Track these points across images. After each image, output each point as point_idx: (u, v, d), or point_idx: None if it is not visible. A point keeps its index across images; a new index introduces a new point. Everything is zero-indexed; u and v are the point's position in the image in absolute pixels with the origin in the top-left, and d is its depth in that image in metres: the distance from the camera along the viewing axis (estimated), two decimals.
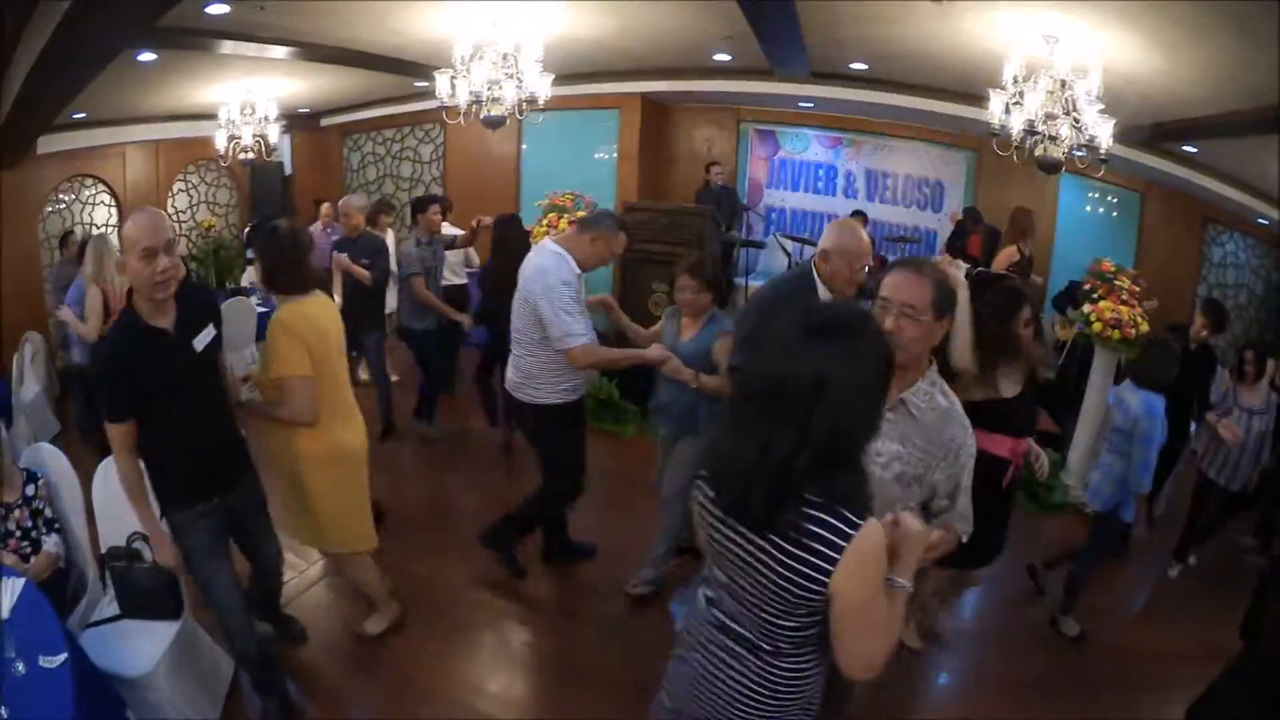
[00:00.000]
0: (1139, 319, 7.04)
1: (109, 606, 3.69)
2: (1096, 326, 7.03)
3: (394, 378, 7.92)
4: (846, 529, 1.85)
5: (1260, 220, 10.76)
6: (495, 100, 7.71)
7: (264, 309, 8.54)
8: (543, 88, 7.85)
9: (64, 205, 10.42)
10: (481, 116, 7.79)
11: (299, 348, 3.74)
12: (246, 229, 11.44)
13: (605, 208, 4.80)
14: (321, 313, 3.97)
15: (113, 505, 3.74)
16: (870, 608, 1.93)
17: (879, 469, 2.59)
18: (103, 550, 3.80)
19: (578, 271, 4.54)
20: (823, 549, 1.86)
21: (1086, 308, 7.16)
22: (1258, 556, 6.69)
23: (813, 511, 1.87)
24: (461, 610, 4.99)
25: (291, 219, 4.62)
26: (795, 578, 1.90)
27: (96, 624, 3.67)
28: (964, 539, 2.72)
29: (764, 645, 2.07)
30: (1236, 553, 6.71)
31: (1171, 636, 5.41)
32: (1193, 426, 6.66)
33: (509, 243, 6.77)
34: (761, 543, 1.95)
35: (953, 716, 4.55)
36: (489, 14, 7.45)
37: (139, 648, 3.53)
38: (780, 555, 1.91)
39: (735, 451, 1.94)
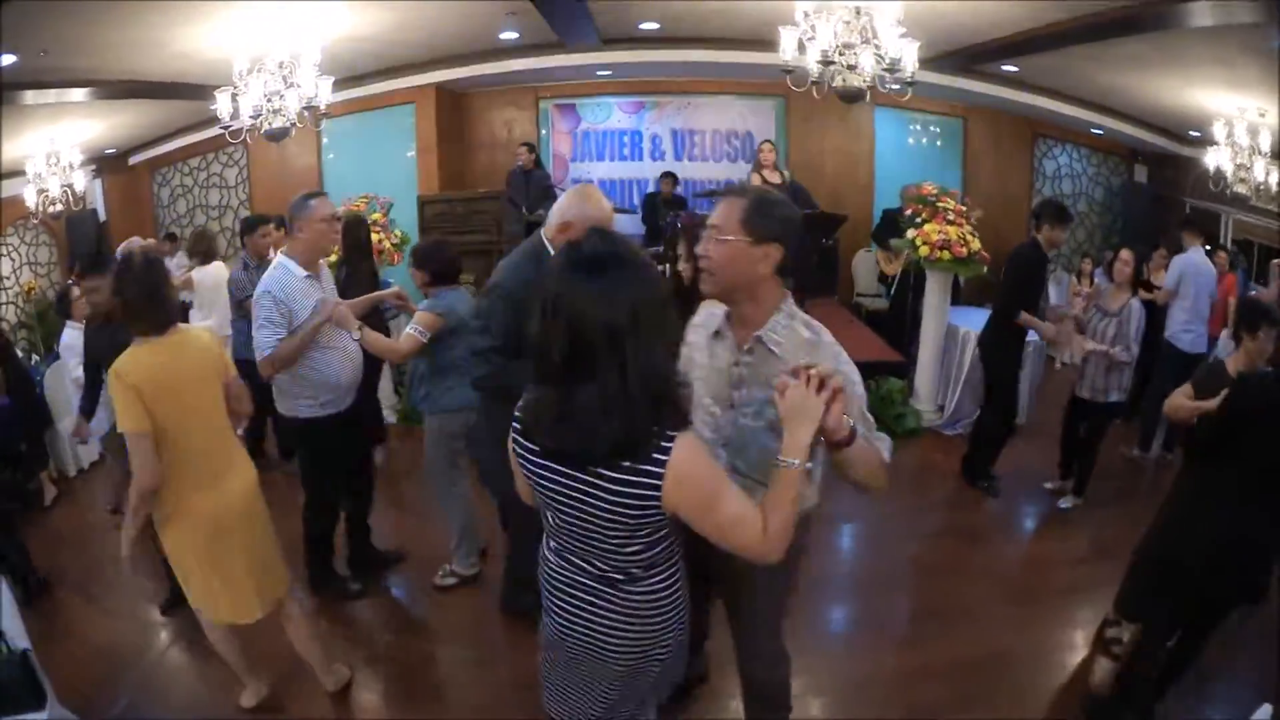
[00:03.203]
0: (968, 236, 6.92)
1: None
2: (924, 250, 6.87)
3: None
4: (660, 452, 1.89)
5: (1094, 130, 10.90)
6: (276, 112, 7.24)
7: None
8: (324, 92, 7.44)
9: None
10: (262, 131, 7.30)
11: (132, 399, 3.20)
12: (70, 278, 10.68)
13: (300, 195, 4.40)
14: (177, 352, 3.42)
15: None
16: (717, 507, 1.96)
17: (748, 420, 2.50)
18: None
19: (302, 274, 4.23)
20: (643, 477, 1.90)
21: (911, 233, 7.01)
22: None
23: (629, 440, 1.88)
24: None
25: (145, 250, 4.10)
26: (627, 506, 1.94)
27: None
28: (886, 457, 2.43)
29: (616, 575, 2.10)
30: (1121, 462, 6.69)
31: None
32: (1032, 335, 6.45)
33: (360, 245, 6.29)
34: (588, 478, 1.95)
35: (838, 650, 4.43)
36: (262, 25, 7.03)
37: None
38: (609, 486, 1.93)
39: (540, 402, 1.97)
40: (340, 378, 4.35)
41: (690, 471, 1.91)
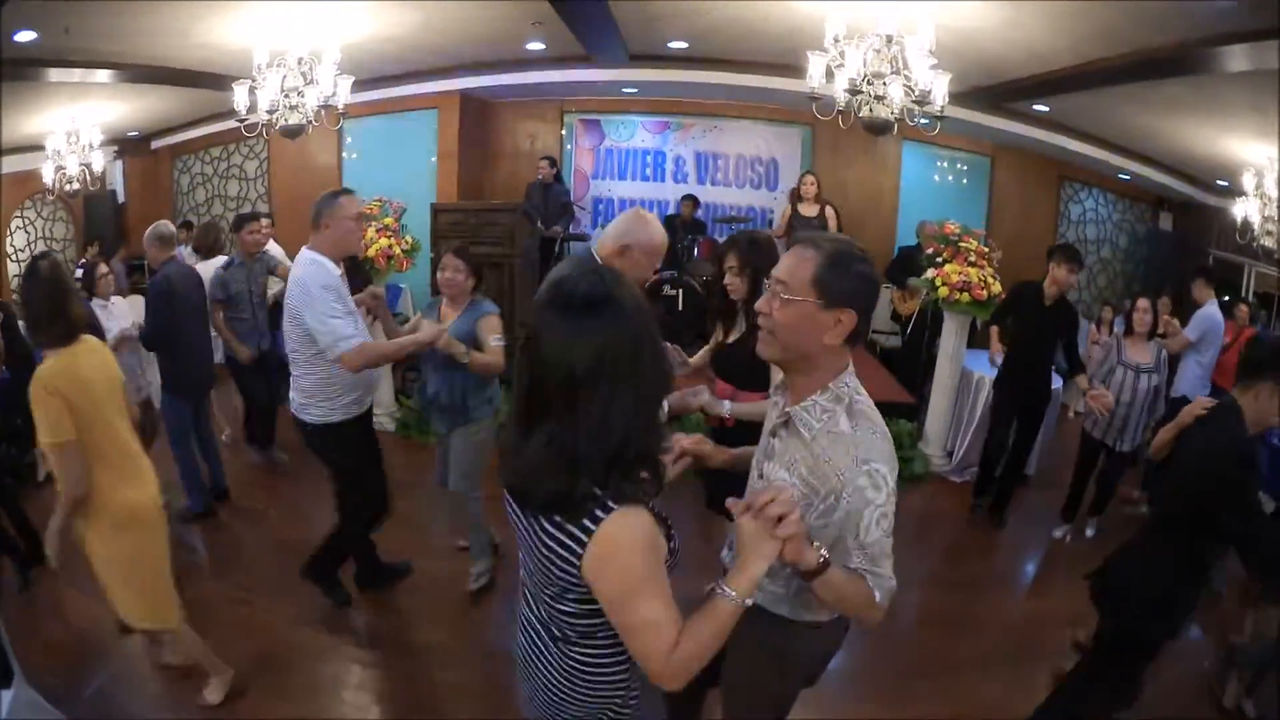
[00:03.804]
0: (989, 279, 6.77)
1: None
2: (943, 291, 6.72)
3: (224, 432, 7.18)
4: (596, 515, 1.71)
5: (1121, 176, 10.76)
6: (293, 109, 7.19)
7: None
8: (343, 92, 7.41)
9: None
10: (277, 127, 7.24)
11: (60, 409, 3.27)
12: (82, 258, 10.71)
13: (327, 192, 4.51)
14: (87, 361, 3.48)
15: None
16: (631, 605, 1.76)
17: None
18: None
19: (338, 272, 4.26)
20: (571, 535, 1.74)
21: (930, 273, 6.86)
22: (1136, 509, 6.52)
23: (572, 494, 1.71)
24: (296, 655, 4.50)
25: (52, 256, 4.02)
26: (552, 561, 1.79)
27: None
28: (879, 599, 2.07)
29: (554, 629, 1.97)
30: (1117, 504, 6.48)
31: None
32: (1058, 381, 6.41)
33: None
34: (532, 524, 1.84)
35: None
36: (284, 20, 7.00)
37: None
38: (543, 537, 1.80)
39: (510, 434, 1.86)
40: (373, 376, 4.58)
41: (614, 553, 1.72)
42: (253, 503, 6.24)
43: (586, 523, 1.71)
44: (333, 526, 4.78)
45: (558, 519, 1.74)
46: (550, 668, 1.99)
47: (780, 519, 1.75)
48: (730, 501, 1.86)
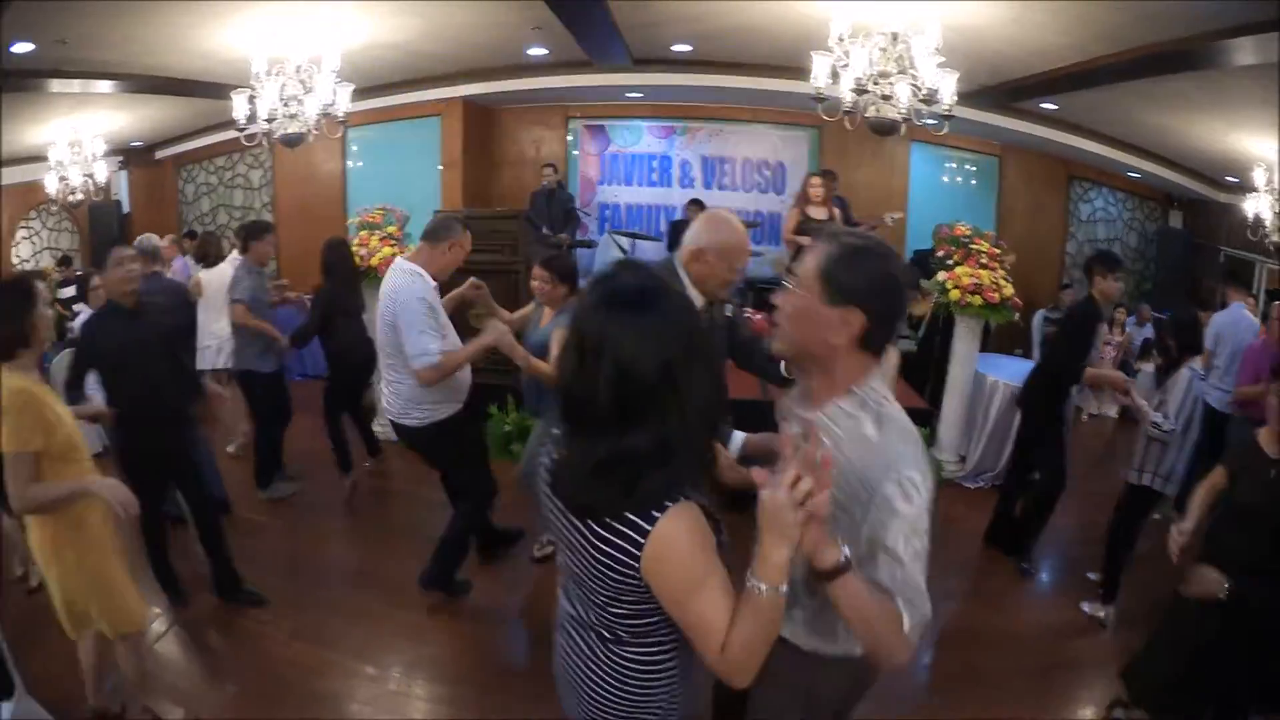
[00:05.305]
0: (1001, 281, 6.68)
1: None
2: (954, 294, 6.64)
3: (239, 440, 7.11)
4: (652, 514, 1.69)
5: (1131, 174, 10.68)
6: (292, 117, 7.14)
7: None
8: (342, 99, 7.36)
9: None
10: (277, 136, 7.19)
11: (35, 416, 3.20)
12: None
13: (449, 214, 4.66)
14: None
15: None
16: (689, 601, 1.73)
17: None
18: None
19: (433, 285, 4.45)
20: (626, 537, 1.71)
21: (941, 275, 6.77)
22: None
23: (623, 496, 1.69)
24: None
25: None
26: (609, 564, 1.75)
27: None
28: (908, 624, 1.83)
29: (604, 632, 1.92)
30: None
31: None
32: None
33: (339, 266, 6.43)
34: (581, 527, 1.78)
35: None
36: (281, 27, 6.97)
37: None
38: (596, 540, 1.75)
39: (558, 436, 1.86)
40: (469, 375, 4.75)
41: (671, 551, 1.70)
42: (254, 514, 6.16)
43: (642, 523, 1.68)
44: (443, 534, 4.89)
45: (610, 522, 1.71)
46: (595, 669, 1.95)
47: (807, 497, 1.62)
48: (755, 471, 1.71)
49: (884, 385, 2.04)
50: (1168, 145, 9.47)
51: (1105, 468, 7.01)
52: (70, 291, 8.64)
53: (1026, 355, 9.46)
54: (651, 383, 1.63)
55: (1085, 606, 5.12)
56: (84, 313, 6.40)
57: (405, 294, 4.33)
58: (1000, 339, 8.77)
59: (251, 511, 6.07)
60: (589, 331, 1.69)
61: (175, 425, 4.79)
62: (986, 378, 7.09)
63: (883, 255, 1.98)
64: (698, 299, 3.46)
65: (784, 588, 1.68)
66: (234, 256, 6.65)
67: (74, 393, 4.47)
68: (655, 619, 1.84)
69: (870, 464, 1.90)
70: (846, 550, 1.75)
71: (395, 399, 4.62)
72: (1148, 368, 8.39)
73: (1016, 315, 6.93)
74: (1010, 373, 7.09)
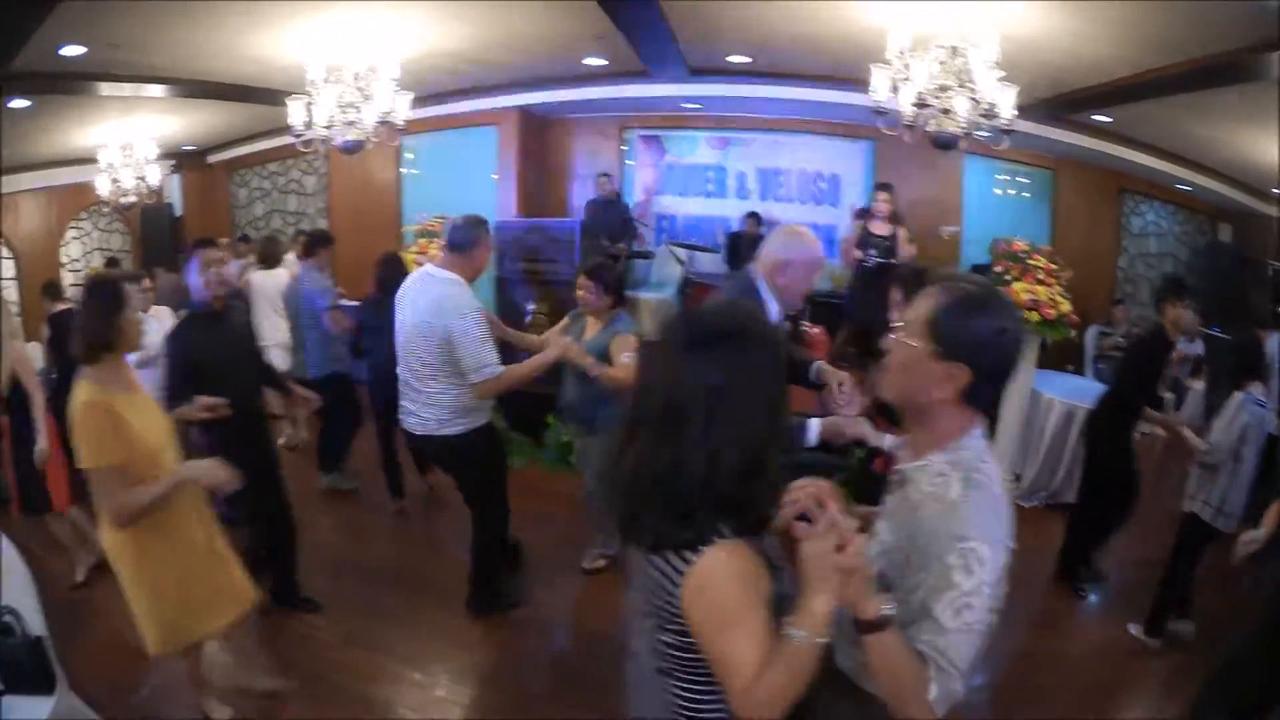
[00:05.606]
0: (1058, 297, 6.64)
1: None
2: None
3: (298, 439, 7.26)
4: (696, 547, 1.71)
5: (1182, 186, 10.50)
6: (350, 124, 7.16)
7: None
8: (401, 107, 7.39)
9: None
10: (336, 143, 7.23)
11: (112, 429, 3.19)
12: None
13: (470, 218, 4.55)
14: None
15: None
16: (722, 639, 1.71)
17: (871, 555, 1.92)
18: None
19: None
20: (672, 566, 1.73)
21: None
22: None
23: (674, 529, 1.72)
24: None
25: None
26: (655, 592, 1.79)
27: None
28: (933, 694, 1.74)
29: (658, 661, 1.90)
30: None
31: None
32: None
33: (393, 280, 6.17)
34: (637, 552, 1.84)
35: None
36: (337, 33, 7.00)
37: None
38: (648, 565, 1.79)
39: (614, 463, 1.83)
40: None
41: (708, 585, 1.70)
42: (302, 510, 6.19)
43: (687, 553, 1.70)
44: (473, 553, 4.88)
45: (658, 553, 1.75)
46: (651, 698, 1.95)
47: (840, 548, 1.62)
48: (796, 524, 1.73)
49: (986, 444, 1.95)
50: (1217, 158, 9.30)
51: (1156, 488, 6.80)
52: None
53: (1079, 371, 9.37)
54: (690, 418, 1.69)
55: (1132, 628, 4.98)
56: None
57: (458, 304, 4.24)
58: (1053, 355, 8.66)
59: (300, 506, 6.09)
60: (650, 354, 1.79)
61: (265, 428, 4.90)
62: (1042, 395, 7.02)
63: (996, 307, 1.89)
64: (778, 311, 3.46)
65: (821, 639, 1.65)
66: (289, 259, 6.72)
67: (180, 403, 4.07)
68: (698, 654, 1.79)
69: (941, 528, 1.82)
70: (888, 608, 1.71)
71: (434, 410, 4.45)
72: (1198, 386, 8.29)
73: (1073, 332, 6.87)
74: (1065, 390, 7.05)
